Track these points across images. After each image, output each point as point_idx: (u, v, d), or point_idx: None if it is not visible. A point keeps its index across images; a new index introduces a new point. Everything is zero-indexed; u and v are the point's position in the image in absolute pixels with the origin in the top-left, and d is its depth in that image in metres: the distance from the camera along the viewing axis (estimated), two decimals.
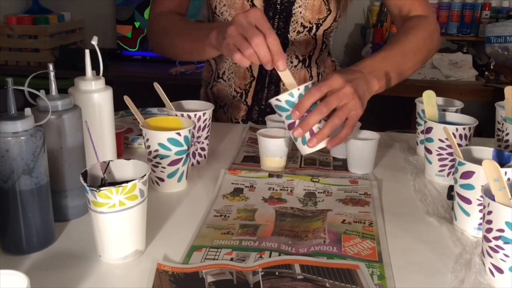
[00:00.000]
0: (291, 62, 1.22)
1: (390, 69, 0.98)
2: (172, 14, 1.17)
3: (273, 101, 0.86)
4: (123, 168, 0.70)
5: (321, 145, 0.86)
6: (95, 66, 0.82)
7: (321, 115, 0.83)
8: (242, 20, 0.83)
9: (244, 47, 0.82)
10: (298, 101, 0.83)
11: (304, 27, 1.17)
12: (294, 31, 1.18)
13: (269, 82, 1.23)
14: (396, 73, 1.01)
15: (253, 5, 1.14)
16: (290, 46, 1.19)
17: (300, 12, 1.15)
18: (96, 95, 0.81)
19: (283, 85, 1.22)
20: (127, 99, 0.89)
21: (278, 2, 1.15)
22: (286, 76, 0.86)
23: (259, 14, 0.83)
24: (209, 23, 1.20)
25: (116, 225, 0.64)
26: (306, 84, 0.85)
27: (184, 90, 1.53)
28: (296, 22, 1.17)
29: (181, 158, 0.85)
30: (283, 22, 1.16)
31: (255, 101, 1.25)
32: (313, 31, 1.18)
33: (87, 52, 0.81)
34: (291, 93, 0.84)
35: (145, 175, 0.65)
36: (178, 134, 0.84)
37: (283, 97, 0.84)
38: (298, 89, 0.84)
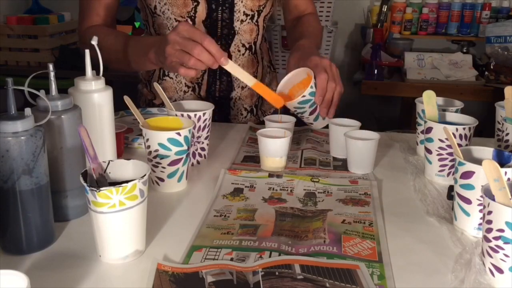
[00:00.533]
0: (239, 51, 1.25)
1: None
2: (100, 27, 1.19)
3: (295, 102, 1.00)
4: (123, 168, 0.70)
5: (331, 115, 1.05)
6: (95, 66, 0.82)
7: (333, 90, 1.01)
8: (175, 38, 0.92)
9: (186, 59, 0.91)
10: (310, 93, 1.00)
11: (247, 15, 1.21)
12: (238, 20, 1.21)
13: (220, 74, 1.25)
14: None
15: (194, 0, 1.15)
16: (236, 35, 1.23)
17: (242, 1, 1.19)
18: (96, 95, 0.81)
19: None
20: (127, 99, 0.89)
21: None
22: (232, 67, 0.97)
23: (187, 26, 0.92)
24: (143, 38, 1.21)
25: (116, 225, 0.64)
26: (312, 81, 1.00)
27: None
28: (239, 12, 1.20)
29: (181, 158, 0.85)
30: (226, 13, 1.19)
31: (209, 93, 1.26)
32: (255, 18, 1.23)
33: (87, 52, 0.81)
34: (310, 91, 1.00)
35: (145, 175, 0.65)
36: (178, 134, 0.84)
37: (306, 92, 0.99)
38: (311, 86, 0.99)
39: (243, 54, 1.25)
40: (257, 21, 1.23)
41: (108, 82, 0.85)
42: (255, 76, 1.29)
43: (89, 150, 0.66)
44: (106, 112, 0.83)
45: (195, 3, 1.15)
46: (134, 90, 1.50)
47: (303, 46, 1.13)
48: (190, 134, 0.86)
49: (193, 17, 1.17)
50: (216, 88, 1.26)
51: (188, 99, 1.25)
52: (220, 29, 1.20)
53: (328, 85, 1.01)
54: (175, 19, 1.18)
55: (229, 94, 1.27)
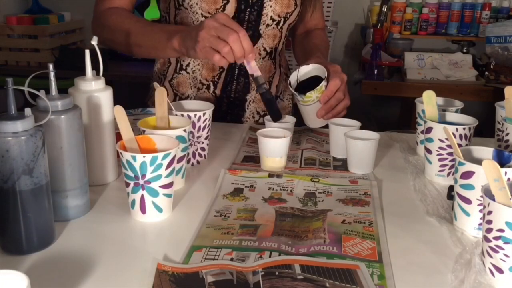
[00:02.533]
0: (259, 54, 1.24)
1: None
2: (122, 9, 1.18)
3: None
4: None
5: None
6: (95, 66, 0.82)
7: (339, 100, 1.07)
8: (213, 23, 0.94)
9: (221, 45, 0.93)
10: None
11: (273, 20, 1.21)
12: (264, 24, 1.20)
13: (238, 74, 1.25)
14: None
15: None
16: (260, 38, 1.22)
17: (271, 6, 1.19)
18: (96, 95, 0.81)
19: (252, 76, 1.24)
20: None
21: None
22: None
23: (225, 16, 0.95)
24: (166, 25, 1.21)
25: None
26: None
27: None
28: (266, 16, 1.19)
29: (185, 155, 0.87)
30: (254, 15, 1.19)
31: (224, 92, 1.25)
32: (280, 24, 1.23)
33: (87, 52, 0.81)
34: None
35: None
36: (184, 130, 0.85)
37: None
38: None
39: (263, 58, 1.25)
40: (281, 27, 1.23)
41: (108, 82, 0.85)
42: (270, 82, 1.28)
43: None
44: (106, 112, 0.83)
45: (225, 1, 1.15)
46: (134, 90, 1.51)
47: (323, 56, 1.19)
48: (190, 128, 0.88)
49: None
50: (232, 89, 1.25)
51: (202, 96, 1.24)
52: (246, 30, 1.18)
53: (337, 94, 1.06)
54: (202, 14, 1.16)
55: (244, 95, 1.26)
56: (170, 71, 1.27)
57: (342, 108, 1.09)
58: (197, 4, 1.16)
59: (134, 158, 0.72)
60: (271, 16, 1.20)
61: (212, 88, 1.24)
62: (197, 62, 1.24)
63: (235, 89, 1.25)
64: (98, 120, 0.83)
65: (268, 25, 1.21)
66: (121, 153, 0.74)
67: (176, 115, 0.94)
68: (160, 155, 0.73)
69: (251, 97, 1.27)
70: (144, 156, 0.72)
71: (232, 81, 1.24)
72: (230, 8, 1.15)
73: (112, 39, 1.17)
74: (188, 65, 1.24)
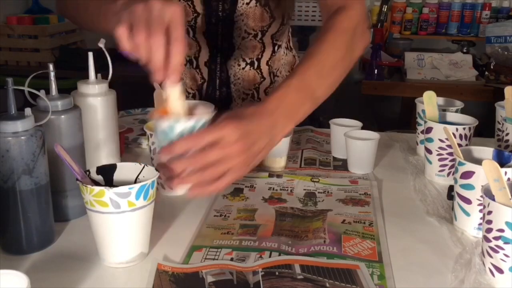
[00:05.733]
0: (239, 65, 1.19)
1: (304, 101, 0.80)
2: None
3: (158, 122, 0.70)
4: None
5: (181, 190, 0.83)
6: (96, 67, 0.82)
7: (192, 166, 0.68)
8: (157, 8, 0.66)
9: (138, 32, 0.66)
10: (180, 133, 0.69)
11: (249, 33, 1.14)
12: (238, 36, 1.15)
13: (220, 84, 1.20)
14: (311, 103, 0.82)
15: (195, 11, 1.10)
16: (236, 50, 1.17)
17: (242, 20, 1.12)
18: (99, 99, 0.81)
19: (234, 85, 1.19)
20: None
21: (220, 9, 1.12)
22: (174, 95, 0.70)
23: (178, 14, 0.66)
24: None
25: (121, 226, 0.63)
26: (200, 118, 0.70)
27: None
28: (240, 29, 1.14)
29: None
30: (226, 28, 1.14)
31: (208, 101, 1.21)
32: (259, 36, 1.16)
33: (90, 55, 0.80)
34: (177, 124, 0.68)
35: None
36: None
37: (165, 124, 0.68)
38: (189, 121, 0.69)
39: (243, 68, 1.20)
40: (261, 39, 1.16)
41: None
42: (257, 89, 1.22)
43: (75, 168, 0.65)
44: (110, 116, 0.83)
45: (195, 14, 1.12)
46: (134, 90, 1.51)
47: (265, 112, 0.75)
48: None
49: (193, 27, 1.13)
50: (216, 98, 1.21)
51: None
52: (220, 43, 1.16)
53: (194, 158, 0.67)
54: None
55: (228, 105, 1.23)
56: None
57: (195, 180, 0.68)
58: None
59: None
60: (245, 30, 1.14)
61: (198, 97, 1.23)
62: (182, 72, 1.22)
63: (218, 99, 1.21)
64: (102, 124, 0.82)
65: (243, 38, 1.15)
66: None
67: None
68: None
69: (236, 106, 1.22)
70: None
71: (214, 91, 1.20)
72: (201, 22, 1.12)
73: (66, 5, 1.02)
74: None
